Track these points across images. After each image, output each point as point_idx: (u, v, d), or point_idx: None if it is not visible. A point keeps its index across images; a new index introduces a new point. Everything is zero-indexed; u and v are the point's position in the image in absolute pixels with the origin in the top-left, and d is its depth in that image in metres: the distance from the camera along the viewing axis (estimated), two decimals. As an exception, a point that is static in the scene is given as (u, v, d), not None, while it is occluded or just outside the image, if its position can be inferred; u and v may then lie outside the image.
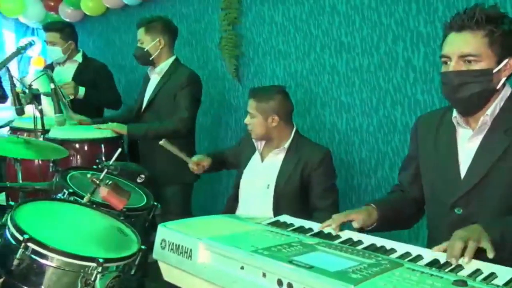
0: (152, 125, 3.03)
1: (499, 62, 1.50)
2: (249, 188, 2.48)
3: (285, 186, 2.36)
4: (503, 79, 1.54)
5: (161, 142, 2.61)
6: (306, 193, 2.39)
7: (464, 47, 1.50)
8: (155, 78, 3.16)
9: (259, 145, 2.51)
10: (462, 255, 1.29)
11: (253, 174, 2.49)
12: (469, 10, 1.51)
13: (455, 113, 1.63)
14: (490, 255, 1.28)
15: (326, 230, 1.59)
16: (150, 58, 3.10)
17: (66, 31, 3.66)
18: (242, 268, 1.28)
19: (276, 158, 2.44)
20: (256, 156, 2.52)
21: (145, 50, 3.08)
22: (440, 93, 1.58)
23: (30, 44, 3.89)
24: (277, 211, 2.33)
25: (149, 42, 3.07)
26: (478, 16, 1.48)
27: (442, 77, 1.57)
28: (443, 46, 1.56)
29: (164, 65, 3.12)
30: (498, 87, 1.53)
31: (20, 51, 3.85)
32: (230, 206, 2.58)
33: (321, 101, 3.04)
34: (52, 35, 3.63)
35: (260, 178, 2.44)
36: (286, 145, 2.43)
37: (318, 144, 2.57)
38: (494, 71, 1.49)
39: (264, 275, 1.22)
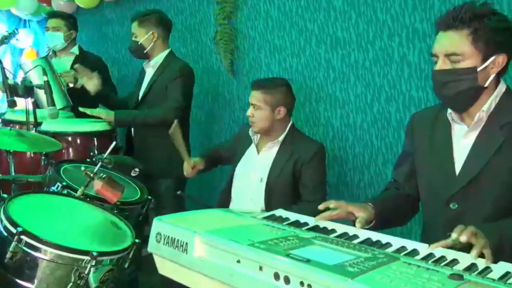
0: (140, 113, 3.03)
1: (485, 60, 1.49)
2: (243, 181, 2.48)
3: (276, 180, 2.36)
4: (492, 76, 1.52)
5: (174, 125, 2.49)
6: (297, 187, 2.39)
7: (449, 46, 1.51)
8: (149, 71, 3.16)
9: (256, 138, 2.50)
10: (466, 246, 1.29)
11: (248, 166, 2.48)
12: (457, 8, 1.51)
13: (450, 109, 1.63)
14: (488, 262, 1.27)
15: (322, 224, 1.59)
16: (144, 52, 3.09)
17: (70, 21, 3.74)
18: (238, 261, 1.28)
19: (270, 152, 2.43)
20: (252, 149, 2.51)
21: (138, 43, 3.07)
22: (435, 89, 1.60)
23: (14, 33, 3.90)
24: (269, 204, 2.33)
25: (142, 35, 3.05)
26: (463, 14, 1.48)
27: (431, 76, 1.58)
28: (433, 45, 1.57)
29: (158, 58, 3.11)
30: (486, 84, 1.52)
31: (3, 40, 3.86)
32: (223, 199, 2.57)
33: (316, 97, 3.04)
34: (56, 21, 3.67)
35: (255, 171, 2.44)
36: (281, 138, 2.42)
37: (313, 139, 2.56)
38: (479, 69, 1.49)
39: (260, 268, 1.22)
